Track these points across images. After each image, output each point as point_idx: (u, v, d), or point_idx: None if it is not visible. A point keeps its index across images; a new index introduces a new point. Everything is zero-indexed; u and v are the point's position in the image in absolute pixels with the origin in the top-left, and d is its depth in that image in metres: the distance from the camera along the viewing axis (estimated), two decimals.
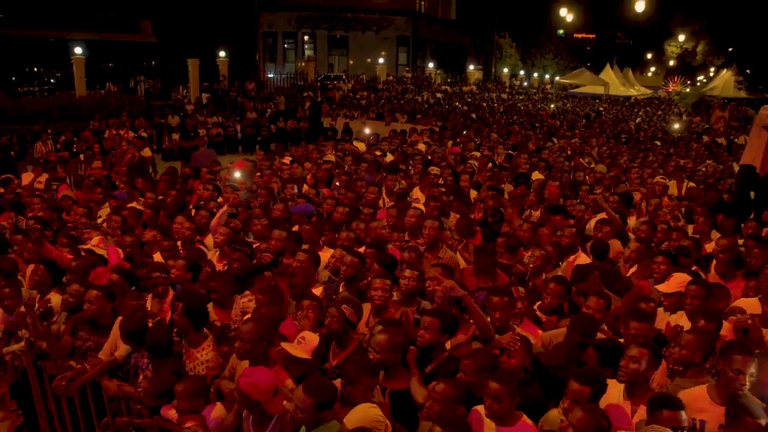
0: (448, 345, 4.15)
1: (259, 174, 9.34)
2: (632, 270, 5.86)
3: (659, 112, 32.20)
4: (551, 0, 43.89)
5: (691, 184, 9.81)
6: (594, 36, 61.04)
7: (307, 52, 39.24)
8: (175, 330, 4.48)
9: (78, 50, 22.81)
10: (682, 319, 4.57)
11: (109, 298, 4.66)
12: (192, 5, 39.51)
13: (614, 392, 3.60)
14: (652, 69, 56.63)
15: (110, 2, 38.45)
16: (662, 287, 4.66)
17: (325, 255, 5.87)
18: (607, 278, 5.16)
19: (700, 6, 44.81)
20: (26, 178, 10.35)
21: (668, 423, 3.08)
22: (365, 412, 3.40)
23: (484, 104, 29.58)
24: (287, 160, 10.50)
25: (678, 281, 4.66)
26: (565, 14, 39.46)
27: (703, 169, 11.39)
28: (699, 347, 3.79)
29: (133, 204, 7.72)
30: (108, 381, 4.35)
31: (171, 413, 3.80)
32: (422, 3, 42.53)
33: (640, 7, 28.69)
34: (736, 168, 10.18)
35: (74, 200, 7.87)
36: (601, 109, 31.24)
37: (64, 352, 4.69)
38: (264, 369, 3.57)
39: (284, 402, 3.61)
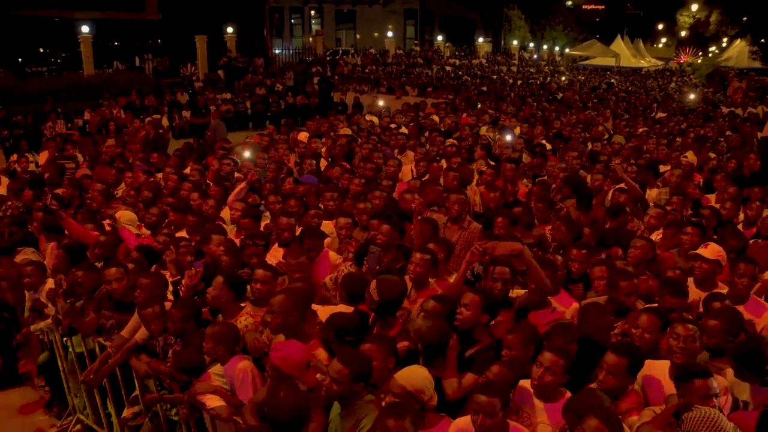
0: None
1: (273, 149, 9.28)
2: (653, 237, 5.77)
3: (672, 84, 31.73)
4: None
5: (712, 154, 9.66)
6: (603, 7, 59.89)
7: (314, 27, 38.79)
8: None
9: (85, 29, 22.65)
10: None
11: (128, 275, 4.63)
12: None
13: (657, 370, 3.53)
14: (663, 40, 55.62)
15: None
16: (702, 251, 4.55)
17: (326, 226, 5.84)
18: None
19: None
20: (42, 156, 10.33)
21: (701, 392, 3.00)
22: (416, 371, 3.36)
23: (495, 77, 29.25)
24: (304, 135, 10.39)
25: (715, 250, 4.55)
26: None
27: (723, 140, 11.18)
28: (726, 333, 3.67)
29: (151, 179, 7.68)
30: (136, 361, 4.35)
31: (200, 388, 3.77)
32: None
33: None
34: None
35: (91, 178, 7.85)
36: (613, 81, 30.82)
37: (89, 330, 4.68)
38: (295, 342, 3.54)
39: (317, 375, 3.59)
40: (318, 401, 3.47)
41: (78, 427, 5.27)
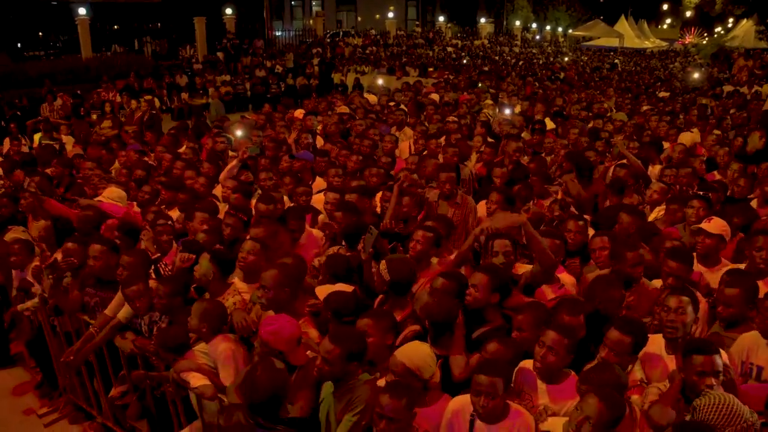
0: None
1: (270, 127, 9.16)
2: (654, 214, 5.70)
3: (676, 63, 31.36)
4: None
5: (717, 131, 9.48)
6: None
7: (315, 8, 38.43)
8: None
9: (82, 11, 22.43)
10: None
11: (114, 252, 4.52)
12: None
13: (655, 345, 3.40)
14: (668, 21, 54.95)
15: None
16: (705, 226, 4.41)
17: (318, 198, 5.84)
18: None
19: None
20: (37, 138, 10.24)
21: (698, 368, 2.88)
22: (417, 348, 3.23)
23: (497, 57, 28.95)
24: (300, 112, 10.26)
25: (719, 225, 4.40)
26: None
27: (728, 117, 10.98)
28: (747, 301, 3.55)
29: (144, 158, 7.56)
30: (121, 339, 4.25)
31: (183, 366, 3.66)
32: None
33: None
34: None
35: (83, 157, 7.74)
36: (617, 61, 30.46)
37: (73, 308, 4.58)
38: (286, 317, 3.41)
39: (308, 352, 3.48)
40: (307, 379, 3.36)
41: (68, 407, 5.20)
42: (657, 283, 4.07)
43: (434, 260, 4.51)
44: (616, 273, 3.98)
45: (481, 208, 5.75)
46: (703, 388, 2.80)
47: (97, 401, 4.86)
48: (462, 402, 3.12)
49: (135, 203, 6.03)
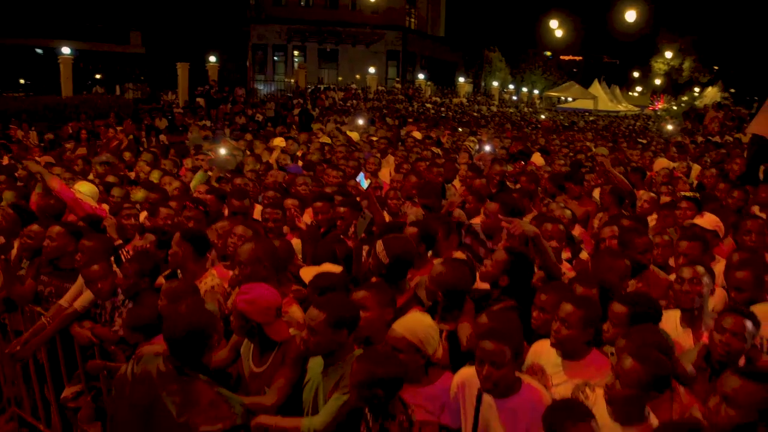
0: None
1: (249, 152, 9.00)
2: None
3: (649, 123, 32.28)
4: (539, 19, 44.32)
5: (697, 166, 9.54)
6: (581, 58, 61.48)
7: (297, 61, 39.11)
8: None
9: (66, 50, 22.45)
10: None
11: (74, 237, 4.19)
12: (182, 18, 39.22)
13: (669, 321, 3.20)
14: (638, 89, 57.09)
15: (100, 13, 38.07)
16: (699, 221, 4.28)
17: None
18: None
19: (688, 23, 45.37)
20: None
21: (729, 327, 2.72)
22: (418, 319, 2.96)
23: (476, 114, 29.49)
24: (280, 140, 10.14)
25: (712, 220, 4.29)
26: (555, 27, 39.12)
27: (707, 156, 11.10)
28: (758, 283, 3.38)
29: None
30: (78, 328, 3.87)
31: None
32: (412, 20, 42.74)
33: (630, 17, 28.60)
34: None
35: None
36: (592, 118, 31.24)
37: (26, 297, 4.19)
38: (265, 285, 3.08)
39: (291, 330, 3.16)
40: (288, 356, 3.02)
41: (10, 424, 4.68)
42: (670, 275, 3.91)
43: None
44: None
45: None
46: (726, 349, 2.60)
47: (46, 414, 4.38)
48: (469, 373, 2.82)
49: (105, 204, 5.72)
